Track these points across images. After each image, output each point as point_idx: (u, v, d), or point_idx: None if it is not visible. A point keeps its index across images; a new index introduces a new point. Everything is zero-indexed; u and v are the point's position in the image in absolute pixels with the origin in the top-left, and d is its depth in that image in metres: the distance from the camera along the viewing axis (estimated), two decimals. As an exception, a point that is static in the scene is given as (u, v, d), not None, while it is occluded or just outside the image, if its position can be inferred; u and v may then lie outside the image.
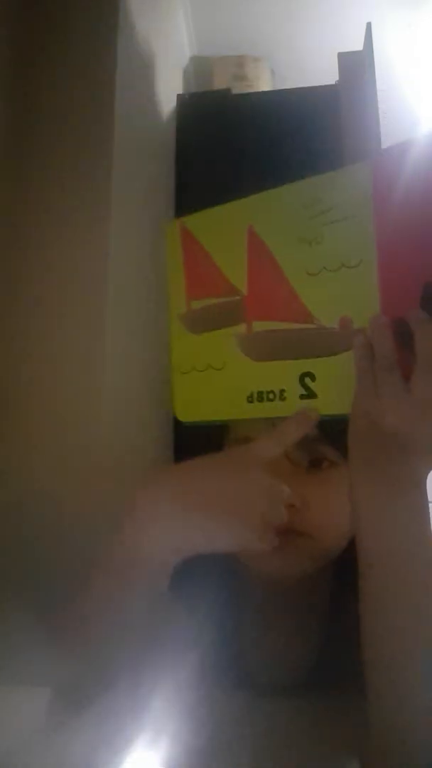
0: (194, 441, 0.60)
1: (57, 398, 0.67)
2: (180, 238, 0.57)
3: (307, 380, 0.49)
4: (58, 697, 0.46)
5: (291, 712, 0.54)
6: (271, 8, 1.31)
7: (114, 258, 0.70)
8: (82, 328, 0.68)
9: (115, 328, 0.70)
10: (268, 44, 1.36)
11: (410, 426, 0.42)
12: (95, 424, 0.66)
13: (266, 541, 0.45)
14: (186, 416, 0.56)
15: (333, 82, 1.09)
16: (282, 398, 0.50)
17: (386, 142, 0.94)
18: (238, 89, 1.26)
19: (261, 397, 0.51)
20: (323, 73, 1.10)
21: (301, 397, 0.49)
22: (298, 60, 1.36)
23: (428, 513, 0.44)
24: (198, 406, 0.56)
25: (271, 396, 0.51)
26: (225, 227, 0.54)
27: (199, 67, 1.38)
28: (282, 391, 0.50)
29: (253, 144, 1.11)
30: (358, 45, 1.04)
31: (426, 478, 0.46)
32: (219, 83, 1.32)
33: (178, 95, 1.17)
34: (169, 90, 1.10)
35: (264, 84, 1.34)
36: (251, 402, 0.52)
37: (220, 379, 0.54)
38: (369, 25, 1.01)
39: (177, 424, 0.97)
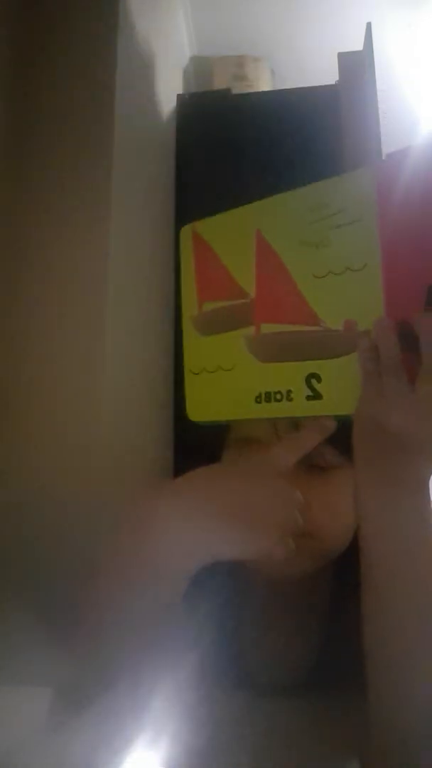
0: (194, 441, 0.60)
1: (57, 398, 0.67)
2: (192, 243, 0.59)
3: (313, 381, 0.50)
4: (59, 697, 0.46)
5: (291, 712, 0.54)
6: (271, 8, 1.31)
7: (114, 258, 0.70)
8: (82, 328, 0.68)
9: (115, 328, 0.70)
10: (268, 44, 1.36)
11: (415, 427, 0.42)
12: (95, 424, 0.66)
13: (285, 547, 0.45)
14: (197, 416, 0.58)
15: (333, 82, 1.08)
16: (289, 399, 0.51)
17: (386, 142, 0.94)
18: (238, 89, 1.25)
19: (269, 397, 0.52)
20: (323, 73, 1.10)
21: (308, 398, 0.50)
22: (298, 60, 1.36)
23: None
24: (208, 406, 0.57)
25: (278, 396, 0.52)
26: (234, 232, 0.56)
27: (199, 67, 1.38)
28: (289, 391, 0.51)
29: (253, 144, 1.11)
30: (358, 45, 1.04)
31: (429, 479, 0.46)
32: (219, 83, 1.31)
33: (178, 95, 1.17)
34: (169, 90, 1.10)
35: (264, 84, 1.34)
36: (259, 402, 0.53)
37: (229, 380, 0.55)
38: (369, 25, 1.01)
39: (177, 424, 0.97)
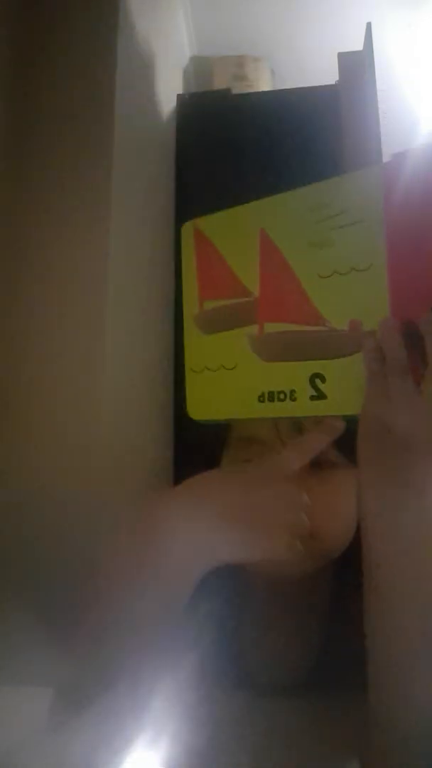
0: (194, 440, 0.60)
1: (57, 398, 0.67)
2: (193, 240, 0.58)
3: (317, 381, 0.50)
4: (59, 697, 0.46)
5: (291, 712, 0.54)
6: (271, 8, 1.31)
7: (114, 258, 0.70)
8: (82, 328, 0.68)
9: (115, 328, 0.70)
10: (268, 44, 1.36)
11: (420, 428, 0.42)
12: (95, 424, 0.66)
13: (294, 550, 0.46)
14: (198, 415, 0.57)
15: (333, 82, 1.08)
16: (293, 398, 0.51)
17: (386, 142, 0.94)
18: (238, 89, 1.25)
19: (272, 397, 0.52)
20: (323, 73, 1.10)
21: (312, 398, 0.50)
22: (298, 60, 1.36)
23: None
24: (210, 405, 0.57)
25: (281, 396, 0.51)
26: (238, 230, 0.55)
27: (199, 67, 1.38)
28: (293, 391, 0.51)
29: (253, 144, 1.11)
30: (358, 45, 1.04)
31: None
32: (219, 83, 1.31)
33: (178, 95, 1.17)
34: (169, 90, 1.10)
35: (264, 84, 1.34)
36: (262, 402, 0.52)
37: (231, 379, 0.55)
38: (369, 25, 1.01)
39: (177, 424, 0.97)
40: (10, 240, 0.69)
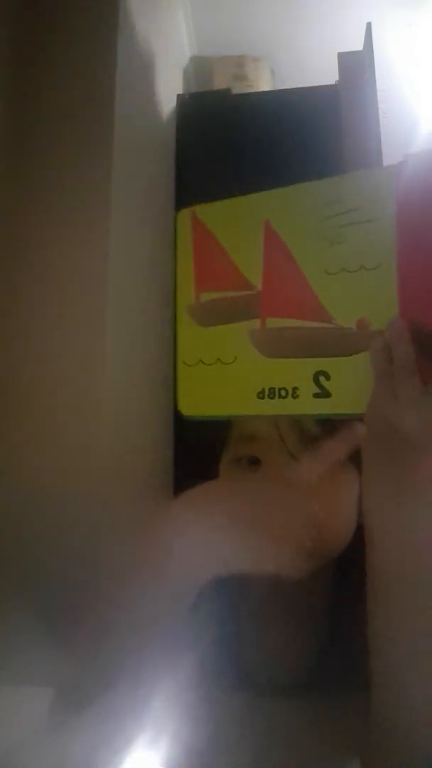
0: (195, 440, 0.60)
1: (57, 398, 0.67)
2: (191, 228, 0.56)
3: (322, 379, 0.49)
4: (59, 697, 0.46)
5: (291, 712, 0.54)
6: (271, 8, 1.30)
7: (114, 258, 0.70)
8: (82, 328, 0.68)
9: (115, 328, 0.70)
10: (268, 44, 1.36)
11: (428, 429, 0.42)
12: (95, 424, 0.66)
13: (300, 568, 0.45)
14: (190, 410, 0.55)
15: (333, 82, 1.08)
16: (295, 396, 0.50)
17: (386, 142, 0.94)
18: (238, 89, 1.25)
19: (273, 393, 0.51)
20: (323, 73, 1.10)
21: (315, 395, 0.49)
22: (298, 60, 1.36)
23: None
24: (204, 401, 0.55)
25: (283, 393, 0.50)
26: (240, 220, 0.53)
27: (199, 67, 1.38)
28: (295, 388, 0.50)
29: (253, 144, 1.11)
30: (358, 45, 1.04)
31: None
32: (219, 83, 1.31)
33: (178, 95, 1.16)
34: (169, 90, 1.10)
35: (264, 84, 1.34)
36: (262, 398, 0.51)
37: (229, 374, 0.53)
38: (369, 25, 1.01)
39: (178, 424, 0.97)
40: (10, 240, 0.69)
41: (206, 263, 0.55)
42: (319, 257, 0.49)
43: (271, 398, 0.51)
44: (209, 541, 0.45)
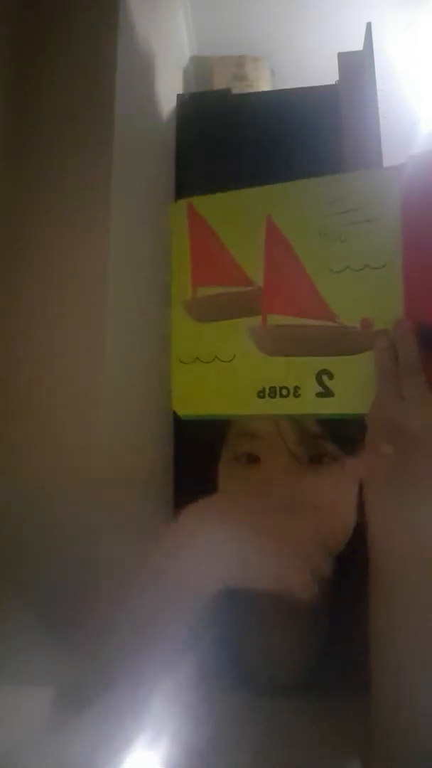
0: (195, 440, 0.60)
1: (57, 398, 0.67)
2: (187, 220, 0.54)
3: (325, 378, 0.48)
4: (59, 697, 0.46)
5: (291, 712, 0.54)
6: (271, 8, 1.31)
7: (114, 258, 0.70)
8: (82, 328, 0.68)
9: (115, 328, 0.70)
10: (268, 44, 1.36)
11: None
12: (95, 424, 0.66)
13: (309, 591, 0.45)
14: (185, 409, 0.54)
15: (333, 82, 1.08)
16: (296, 395, 0.49)
17: (386, 142, 0.94)
18: (238, 89, 1.25)
19: (273, 392, 0.50)
20: (323, 73, 1.10)
21: (318, 395, 0.48)
22: (298, 60, 1.36)
23: None
24: (200, 399, 0.53)
25: (284, 392, 0.49)
26: (241, 214, 0.52)
27: (199, 67, 1.38)
28: (297, 387, 0.49)
29: (253, 144, 1.11)
30: (358, 45, 1.04)
31: None
32: (219, 83, 1.31)
33: (178, 95, 1.17)
34: (169, 90, 1.10)
35: (264, 84, 1.34)
36: (262, 397, 0.50)
37: (228, 372, 0.51)
38: (369, 25, 1.01)
39: (177, 424, 0.97)
40: (10, 240, 0.69)
41: (203, 257, 0.53)
42: (323, 255, 0.48)
43: (271, 397, 0.50)
44: (215, 555, 0.45)
